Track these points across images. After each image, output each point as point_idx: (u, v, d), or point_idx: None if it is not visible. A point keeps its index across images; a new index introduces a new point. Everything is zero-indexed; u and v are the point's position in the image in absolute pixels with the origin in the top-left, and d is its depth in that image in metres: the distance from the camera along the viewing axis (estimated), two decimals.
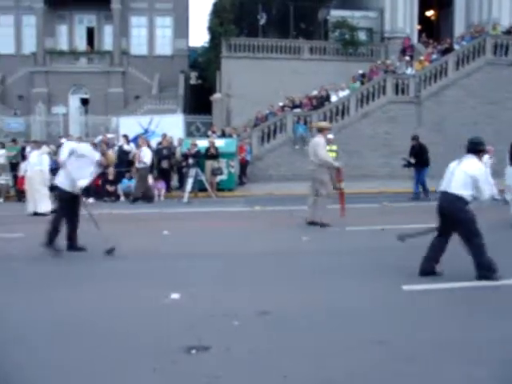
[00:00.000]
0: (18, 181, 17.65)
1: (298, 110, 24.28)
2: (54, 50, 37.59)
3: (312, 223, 11.19)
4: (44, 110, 33.77)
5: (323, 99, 24.74)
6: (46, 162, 14.59)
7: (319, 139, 11.36)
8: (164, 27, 39.12)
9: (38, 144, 15.62)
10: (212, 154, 18.66)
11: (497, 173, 13.35)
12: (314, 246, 9.28)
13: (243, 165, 21.49)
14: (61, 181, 8.67)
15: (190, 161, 17.57)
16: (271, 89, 27.18)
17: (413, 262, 7.14)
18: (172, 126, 23.86)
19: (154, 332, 5.04)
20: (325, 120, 21.69)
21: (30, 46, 37.39)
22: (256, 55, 30.44)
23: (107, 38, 38.46)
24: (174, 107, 33.00)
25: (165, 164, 19.01)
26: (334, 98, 24.54)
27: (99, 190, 17.01)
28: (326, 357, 4.46)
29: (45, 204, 13.94)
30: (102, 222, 8.96)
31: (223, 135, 22.65)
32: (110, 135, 21.47)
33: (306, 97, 25.42)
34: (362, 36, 31.92)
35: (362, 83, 25.31)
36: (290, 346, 4.67)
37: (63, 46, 38.27)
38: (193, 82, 41.83)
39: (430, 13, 34.93)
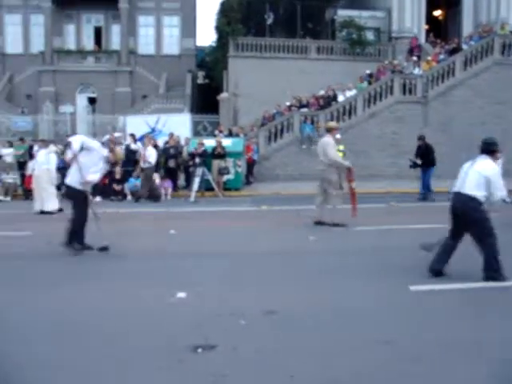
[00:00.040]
0: (25, 179, 17.74)
1: (305, 110, 24.24)
2: (62, 49, 37.77)
3: (319, 223, 11.16)
4: (51, 109, 33.92)
5: (330, 99, 24.70)
6: (53, 160, 14.66)
7: (328, 139, 11.33)
8: (171, 27, 39.18)
9: (45, 143, 15.68)
10: (219, 154, 18.66)
11: (508, 172, 13.28)
12: (320, 246, 9.26)
13: (250, 164, 21.48)
14: (72, 179, 8.66)
15: (197, 160, 17.58)
16: (278, 88, 27.15)
17: (420, 263, 7.13)
18: (179, 125, 23.93)
19: (160, 331, 5.05)
20: (332, 120, 21.65)
21: (37, 45, 37.56)
22: (263, 55, 30.42)
23: (115, 38, 38.59)
24: (181, 106, 33.05)
25: (172, 163, 19.04)
26: (341, 98, 24.49)
27: (106, 188, 17.04)
28: (333, 356, 4.46)
29: (52, 203, 14.01)
30: (109, 220, 9.01)
31: (230, 135, 22.66)
32: (117, 134, 21.49)
33: (313, 96, 25.38)
34: (369, 36, 31.82)
35: (370, 83, 25.25)
36: (297, 346, 4.67)
37: (71, 45, 38.42)
38: (200, 81, 41.87)
39: (437, 12, 34.80)
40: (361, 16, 31.61)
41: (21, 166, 19.25)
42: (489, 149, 6.85)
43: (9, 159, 19.61)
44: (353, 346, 4.68)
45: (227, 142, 19.65)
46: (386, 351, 4.56)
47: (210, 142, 18.99)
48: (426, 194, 16.44)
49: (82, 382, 4.09)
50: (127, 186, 17.67)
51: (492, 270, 6.58)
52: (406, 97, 24.02)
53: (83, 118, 34.48)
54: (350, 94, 24.56)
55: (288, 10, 32.71)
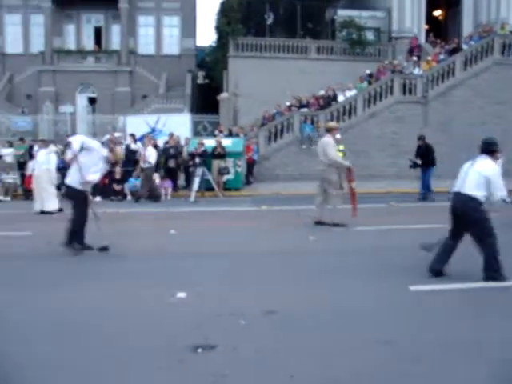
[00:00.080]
0: (25, 179, 17.74)
1: (305, 110, 24.25)
2: (62, 49, 37.79)
3: (319, 223, 11.17)
4: (51, 109, 33.95)
5: (330, 99, 24.71)
6: (53, 160, 14.67)
7: (328, 139, 11.33)
8: (171, 27, 39.19)
9: (45, 143, 15.68)
10: (219, 154, 18.67)
11: (508, 172, 13.28)
12: (320, 246, 9.27)
13: (250, 164, 21.49)
14: (72, 179, 8.66)
15: (197, 160, 17.59)
16: (278, 88, 27.16)
17: (419, 263, 7.13)
18: (179, 125, 23.94)
19: (160, 331, 5.05)
20: (332, 120, 21.66)
21: (37, 45, 37.57)
22: (263, 55, 30.43)
23: (115, 38, 38.60)
24: (181, 106, 33.06)
25: (172, 163, 19.04)
26: (341, 98, 24.50)
27: (106, 188, 17.04)
28: (333, 356, 4.46)
29: (52, 203, 14.02)
30: (109, 220, 9.00)
31: (230, 134, 22.66)
32: (117, 134, 21.50)
33: (313, 96, 25.39)
34: (369, 36, 31.83)
35: (370, 83, 25.26)
36: (297, 346, 4.67)
37: (71, 45, 38.43)
38: (200, 81, 41.87)
39: (437, 12, 34.80)
40: (361, 16, 31.62)
41: (21, 166, 19.26)
42: (489, 149, 6.85)
43: (9, 159, 19.62)
44: (353, 346, 4.68)
45: (227, 142, 19.65)
46: (386, 351, 4.56)
47: (210, 142, 18.99)
48: (425, 193, 16.44)
49: (82, 382, 4.09)
50: (127, 186, 17.67)
51: (492, 270, 6.58)
52: (406, 97, 24.02)
53: (83, 117, 34.49)
54: (350, 94, 24.57)
55: (288, 9, 32.72)
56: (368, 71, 26.35)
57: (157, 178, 17.82)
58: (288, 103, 25.37)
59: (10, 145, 20.54)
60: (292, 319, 5.35)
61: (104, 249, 8.48)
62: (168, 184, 18.16)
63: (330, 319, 5.38)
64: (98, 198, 15.59)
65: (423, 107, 23.89)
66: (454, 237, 6.92)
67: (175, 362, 4.34)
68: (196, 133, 26.63)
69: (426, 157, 16.50)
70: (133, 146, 18.72)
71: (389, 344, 4.69)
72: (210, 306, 5.78)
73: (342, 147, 17.09)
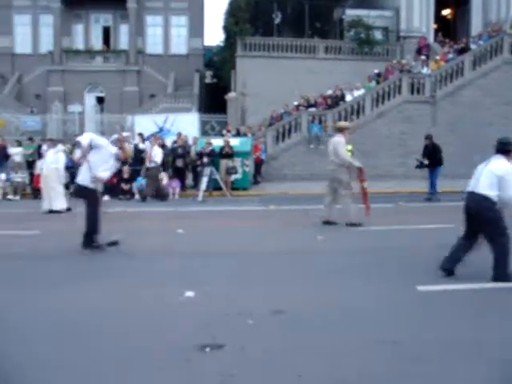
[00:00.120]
0: (34, 179, 17.81)
1: (312, 110, 24.22)
2: (71, 48, 37.93)
3: (327, 222, 11.15)
4: (60, 109, 34.11)
5: (338, 99, 24.66)
6: (61, 160, 14.72)
7: (339, 139, 11.28)
8: (179, 26, 39.25)
9: (53, 142, 15.74)
10: (227, 153, 18.67)
11: None
12: (329, 246, 9.25)
13: (258, 164, 21.48)
14: (83, 178, 8.67)
15: (205, 160, 17.60)
16: (286, 88, 27.14)
17: (427, 263, 7.11)
18: (187, 124, 23.98)
19: (168, 330, 5.06)
20: (340, 119, 21.62)
21: (46, 45, 37.73)
22: (271, 54, 30.43)
23: (123, 37, 38.70)
24: (189, 106, 33.09)
25: (179, 163, 19.08)
26: (348, 98, 24.45)
27: (114, 187, 17.09)
28: (341, 356, 4.44)
29: (60, 202, 14.06)
30: (117, 219, 9.01)
31: (238, 134, 22.65)
32: (125, 133, 21.48)
33: (321, 96, 25.35)
34: (377, 35, 31.74)
35: (378, 83, 25.20)
36: (305, 346, 4.66)
37: (79, 45, 38.57)
38: (208, 80, 41.90)
39: (446, 11, 34.67)
40: (369, 15, 31.53)
41: (30, 165, 19.36)
42: (504, 148, 6.81)
43: (18, 158, 19.74)
44: (361, 345, 4.66)
45: (235, 142, 19.66)
46: (394, 351, 4.54)
47: (217, 142, 19.01)
48: (433, 193, 16.38)
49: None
50: (135, 186, 17.70)
51: (502, 270, 6.54)
52: (415, 96, 23.94)
53: (91, 117, 34.62)
54: (357, 93, 24.52)
55: (296, 9, 32.70)
56: (376, 71, 26.30)
57: (165, 177, 17.85)
58: (296, 103, 25.33)
59: (19, 144, 20.66)
60: (300, 319, 5.34)
61: (113, 243, 8.50)
62: (176, 183, 18.19)
63: (338, 319, 5.37)
64: (106, 197, 15.62)
65: (431, 107, 23.80)
66: (467, 237, 6.88)
67: (183, 361, 4.33)
68: (204, 132, 26.64)
69: (433, 156, 16.42)
70: (141, 146, 18.74)
71: (396, 344, 4.66)
72: (218, 305, 5.77)
73: (350, 147, 17.03)
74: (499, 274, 6.55)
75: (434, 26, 32.54)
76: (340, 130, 11.69)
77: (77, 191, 9.20)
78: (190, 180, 20.10)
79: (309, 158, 22.25)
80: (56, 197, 14.07)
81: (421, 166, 16.65)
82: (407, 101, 23.80)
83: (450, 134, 22.43)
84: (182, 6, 38.65)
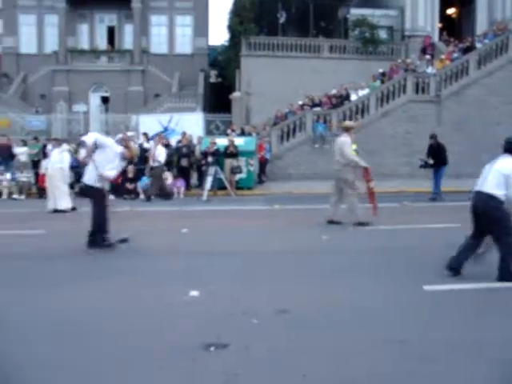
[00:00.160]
0: (39, 178, 17.85)
1: (317, 109, 24.19)
2: (75, 48, 38.02)
3: (332, 222, 11.14)
4: (65, 108, 34.18)
5: (343, 98, 24.61)
6: (66, 159, 14.74)
7: (345, 138, 11.26)
8: (184, 26, 39.27)
9: (58, 142, 15.77)
10: (231, 153, 18.67)
11: None
12: (333, 245, 9.23)
13: (262, 163, 21.47)
14: (89, 177, 8.68)
15: (210, 159, 17.60)
16: (291, 87, 27.12)
17: (433, 262, 7.08)
18: (192, 124, 24.01)
19: (172, 329, 5.05)
20: (344, 119, 21.58)
21: (51, 44, 37.82)
22: (276, 54, 30.41)
23: (127, 37, 38.76)
24: (194, 105, 33.12)
25: (184, 162, 19.08)
26: (353, 97, 24.39)
27: (119, 187, 17.10)
28: (346, 356, 4.43)
29: (65, 201, 14.09)
30: (122, 219, 9.02)
31: (242, 134, 22.63)
32: (130, 133, 21.51)
33: (326, 95, 25.32)
34: (382, 34, 31.70)
35: (382, 82, 25.14)
36: (309, 345, 4.65)
37: (84, 44, 38.66)
38: (212, 80, 41.94)
39: (451, 10, 34.57)
40: (374, 14, 31.51)
41: (35, 164, 19.40)
42: (511, 148, 6.79)
43: (23, 158, 19.81)
44: (366, 345, 4.65)
45: (240, 141, 19.66)
46: (400, 351, 4.52)
47: (222, 141, 19.01)
48: (438, 193, 16.33)
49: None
50: (140, 185, 17.71)
51: (507, 270, 6.51)
52: (419, 96, 23.84)
53: (96, 117, 34.71)
54: (362, 92, 24.45)
55: (300, 8, 32.66)
56: (381, 70, 26.26)
57: (169, 176, 17.86)
58: (300, 102, 25.32)
59: (25, 144, 20.73)
60: (305, 318, 5.33)
61: (124, 240, 8.52)
62: (181, 183, 18.21)
63: (343, 318, 5.35)
64: (111, 197, 15.62)
65: (436, 106, 23.72)
66: (475, 236, 6.85)
67: (187, 360, 4.32)
68: (208, 132, 26.68)
69: (437, 156, 16.37)
70: (146, 145, 18.76)
71: (402, 343, 4.65)
72: (223, 304, 5.77)
73: (354, 146, 16.99)
74: (505, 274, 6.52)
75: (439, 25, 32.45)
76: (346, 130, 11.66)
77: (83, 191, 9.21)
78: (194, 179, 20.10)
79: (313, 157, 22.22)
80: (61, 196, 14.10)
81: (425, 165, 16.59)
82: (412, 100, 23.73)
83: (456, 134, 22.36)
84: (187, 6, 38.68)
